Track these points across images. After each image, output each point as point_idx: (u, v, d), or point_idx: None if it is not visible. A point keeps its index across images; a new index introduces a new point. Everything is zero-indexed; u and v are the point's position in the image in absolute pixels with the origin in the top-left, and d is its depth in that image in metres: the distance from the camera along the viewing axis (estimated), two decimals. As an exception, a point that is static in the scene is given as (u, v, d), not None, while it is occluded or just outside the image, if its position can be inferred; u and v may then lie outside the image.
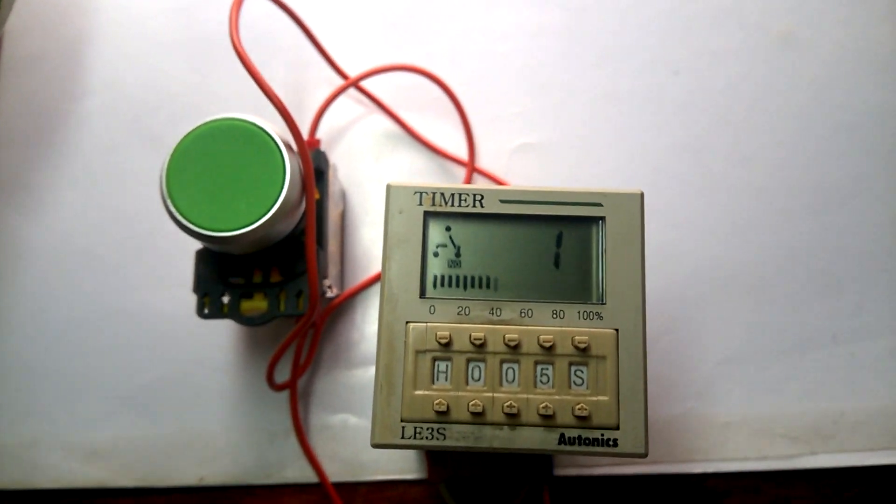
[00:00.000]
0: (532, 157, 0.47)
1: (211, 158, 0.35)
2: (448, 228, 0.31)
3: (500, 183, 0.46)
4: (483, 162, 0.47)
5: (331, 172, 0.41)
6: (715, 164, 0.46)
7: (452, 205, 0.31)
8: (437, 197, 0.31)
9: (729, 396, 0.42)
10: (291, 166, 0.35)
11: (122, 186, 0.46)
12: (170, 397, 0.43)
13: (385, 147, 0.47)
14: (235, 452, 0.42)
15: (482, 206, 0.31)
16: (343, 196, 0.46)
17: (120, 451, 0.43)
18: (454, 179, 0.47)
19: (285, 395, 0.43)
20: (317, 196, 0.40)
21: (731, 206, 0.45)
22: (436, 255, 0.31)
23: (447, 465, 0.39)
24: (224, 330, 0.44)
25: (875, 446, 0.41)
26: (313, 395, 0.43)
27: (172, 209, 0.34)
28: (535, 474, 0.40)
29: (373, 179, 0.46)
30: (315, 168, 0.40)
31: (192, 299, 0.39)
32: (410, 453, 0.42)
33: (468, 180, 0.46)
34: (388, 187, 0.31)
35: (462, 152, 0.47)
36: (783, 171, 0.46)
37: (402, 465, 0.42)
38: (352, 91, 0.48)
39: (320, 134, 0.47)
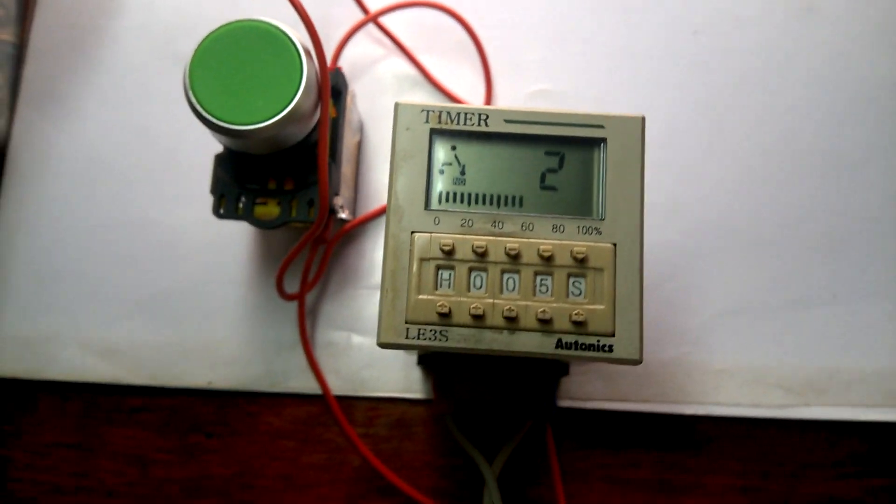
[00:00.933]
0: (547, 104, 0.48)
1: (233, 56, 0.36)
2: (454, 147, 0.32)
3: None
4: (499, 105, 0.48)
5: (349, 97, 0.43)
6: (728, 123, 0.47)
7: (458, 123, 0.32)
8: (444, 115, 0.32)
9: (726, 345, 0.43)
10: (308, 71, 0.36)
11: (149, 104, 0.48)
12: (184, 304, 0.45)
13: (403, 88, 0.48)
14: (243, 360, 0.44)
15: (487, 126, 0.32)
16: (361, 128, 0.47)
17: (134, 350, 0.45)
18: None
19: (293, 309, 0.44)
20: (333, 114, 0.42)
21: (742, 164, 0.46)
22: (441, 172, 0.32)
23: (453, 396, 0.40)
24: (238, 241, 0.46)
25: (868, 403, 0.42)
26: (321, 312, 0.45)
27: (193, 100, 0.36)
28: (539, 408, 0.41)
29: (390, 118, 0.47)
30: (333, 86, 0.41)
31: (209, 214, 0.41)
32: (413, 373, 0.44)
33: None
34: (397, 105, 0.32)
35: (478, 98, 0.48)
36: (796, 134, 0.46)
37: (403, 385, 0.43)
38: (374, 30, 0.49)
39: (343, 64, 0.48)
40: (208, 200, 0.44)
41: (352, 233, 0.46)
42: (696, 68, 0.48)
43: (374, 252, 0.46)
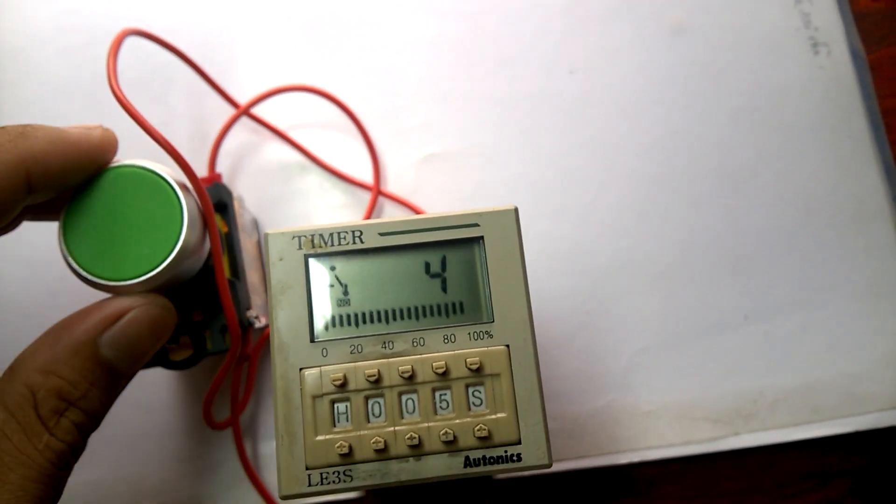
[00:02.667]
0: (439, 168, 0.47)
1: (106, 208, 0.34)
2: (332, 268, 0.31)
3: (407, 204, 0.46)
4: (390, 176, 0.47)
5: (236, 203, 0.41)
6: (618, 157, 0.46)
7: (333, 244, 0.31)
8: (317, 238, 0.31)
9: (648, 384, 0.43)
10: (188, 204, 0.34)
11: (26, 238, 0.46)
12: (104, 441, 0.42)
13: (292, 173, 0.47)
14: (168, 490, 0.42)
15: (363, 242, 0.31)
16: (256, 225, 0.45)
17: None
18: (363, 201, 0.47)
19: (216, 431, 0.43)
20: (225, 229, 0.40)
21: (636, 196, 0.46)
22: (323, 296, 0.31)
23: (388, 498, 0.39)
24: (154, 371, 0.43)
25: (796, 421, 0.42)
26: (248, 429, 0.44)
27: (73, 264, 0.34)
28: (477, 489, 0.40)
29: (284, 203, 0.46)
30: (218, 202, 0.40)
31: None
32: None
33: (372, 205, 0.46)
34: (266, 235, 0.31)
35: (366, 171, 0.47)
36: (683, 158, 0.46)
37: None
38: (251, 120, 0.47)
39: (223, 165, 0.46)
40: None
41: None
42: (579, 105, 0.47)
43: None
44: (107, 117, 0.47)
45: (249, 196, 0.46)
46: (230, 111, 0.47)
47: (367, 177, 0.47)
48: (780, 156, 0.46)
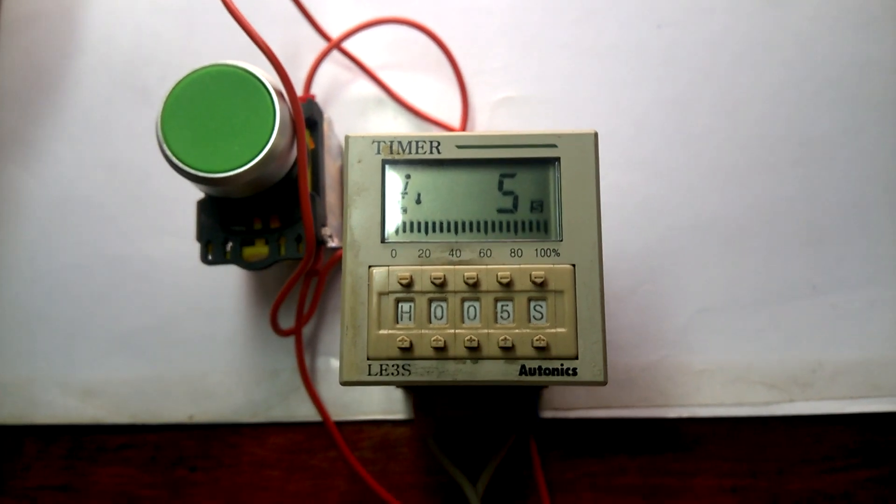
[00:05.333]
0: (514, 112, 0.47)
1: (204, 103, 0.36)
2: (408, 176, 0.32)
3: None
4: (472, 115, 0.47)
5: (326, 125, 0.42)
6: (698, 117, 0.46)
7: (410, 152, 0.32)
8: (395, 145, 0.32)
9: (706, 345, 0.43)
10: (281, 110, 0.36)
11: (116, 138, 0.48)
12: (162, 339, 0.45)
13: (376, 109, 0.48)
14: (222, 393, 0.44)
15: (439, 153, 0.32)
16: (341, 151, 0.47)
17: (113, 389, 0.45)
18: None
19: (273, 338, 0.44)
20: (311, 146, 0.41)
21: (714, 158, 0.45)
22: (397, 201, 0.32)
23: (434, 416, 0.40)
24: (219, 273, 0.45)
25: (853, 395, 0.42)
26: (309, 342, 0.45)
27: (168, 152, 0.35)
28: (522, 421, 0.41)
29: None
30: (308, 118, 0.41)
31: (188, 246, 0.41)
32: (394, 394, 0.44)
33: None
34: (347, 138, 0.32)
35: (447, 111, 0.47)
36: (767, 124, 0.46)
37: (385, 406, 0.43)
38: (341, 54, 0.48)
39: (315, 90, 0.48)
40: (185, 232, 0.44)
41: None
42: (662, 63, 0.47)
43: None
44: (196, 31, 0.49)
45: (338, 125, 0.47)
46: (317, 40, 0.48)
47: (447, 117, 0.47)
48: (864, 130, 0.45)
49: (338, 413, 0.44)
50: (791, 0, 0.47)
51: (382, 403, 0.44)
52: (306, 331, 0.45)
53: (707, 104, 0.46)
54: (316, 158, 0.41)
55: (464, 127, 0.47)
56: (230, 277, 0.45)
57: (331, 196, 0.43)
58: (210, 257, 0.40)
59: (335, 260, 0.44)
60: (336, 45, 0.47)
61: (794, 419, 0.42)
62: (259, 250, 0.40)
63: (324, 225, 0.41)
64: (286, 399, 0.44)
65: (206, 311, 0.45)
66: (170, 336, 0.45)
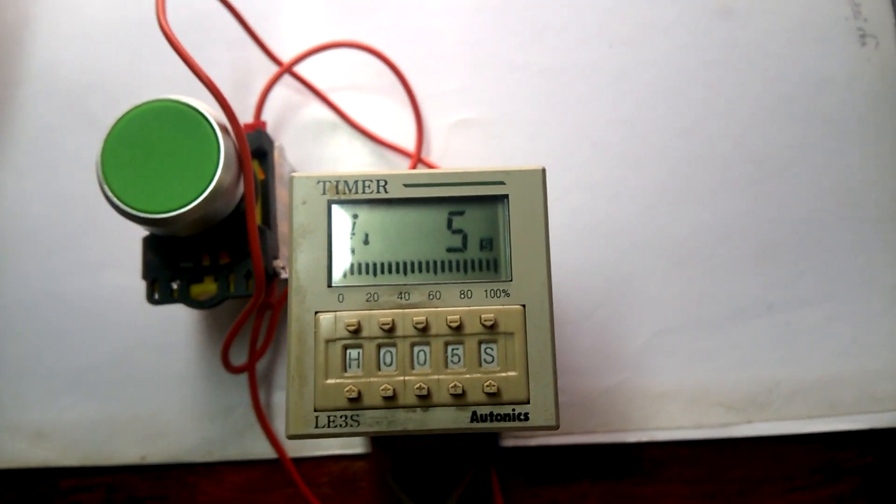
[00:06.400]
0: (471, 134, 0.47)
1: (145, 141, 0.35)
2: (355, 216, 0.31)
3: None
4: (427, 138, 0.47)
5: (276, 153, 0.41)
6: (652, 137, 0.46)
7: (356, 192, 0.31)
8: (341, 185, 0.31)
9: (664, 367, 0.43)
10: (226, 145, 0.35)
11: (62, 169, 0.47)
12: (113, 377, 0.44)
13: (332, 133, 0.47)
14: (177, 431, 0.43)
15: (386, 192, 0.31)
16: None
17: (64, 430, 0.43)
18: (396, 165, 0.47)
19: (227, 374, 0.43)
20: (261, 176, 0.40)
21: (668, 178, 0.45)
22: (344, 243, 0.31)
23: (392, 450, 0.40)
24: (176, 312, 0.44)
25: (812, 414, 0.42)
26: (263, 376, 0.44)
27: (109, 193, 0.34)
28: (482, 452, 0.40)
29: (322, 163, 0.47)
30: (257, 148, 0.40)
31: (136, 281, 0.40)
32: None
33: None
34: (291, 178, 0.31)
35: (403, 135, 0.47)
36: (720, 142, 0.46)
37: (343, 441, 0.43)
38: (292, 78, 0.47)
39: (267, 116, 0.47)
40: (132, 267, 0.43)
41: None
42: (616, 83, 0.47)
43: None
44: (143, 58, 0.48)
45: (290, 150, 0.46)
46: (269, 64, 0.47)
47: (402, 140, 0.47)
48: (820, 147, 0.45)
49: (295, 449, 0.43)
50: (743, 17, 0.47)
51: (340, 439, 0.43)
52: (261, 365, 0.44)
53: (660, 123, 0.46)
54: (266, 189, 0.40)
55: (419, 150, 0.46)
56: (180, 313, 0.44)
57: (283, 226, 0.42)
58: (156, 296, 0.39)
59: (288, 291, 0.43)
60: (287, 69, 0.46)
61: (753, 440, 0.42)
62: (207, 287, 0.39)
63: (276, 257, 0.40)
64: (241, 436, 0.43)
65: (156, 348, 0.44)
66: (119, 374, 0.44)
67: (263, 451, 0.43)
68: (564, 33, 0.48)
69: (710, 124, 0.46)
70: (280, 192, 0.42)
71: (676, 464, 0.42)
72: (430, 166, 0.46)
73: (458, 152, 0.47)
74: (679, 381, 0.43)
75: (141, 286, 0.40)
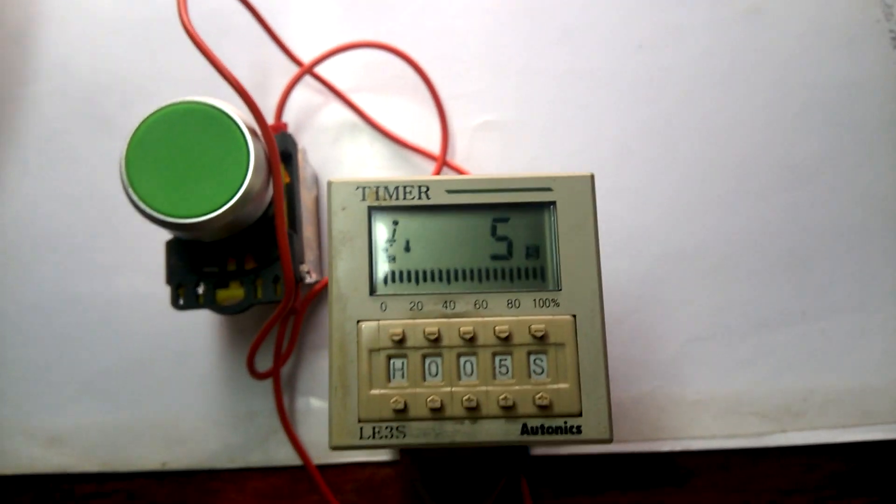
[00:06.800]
0: (494, 136, 0.46)
1: (171, 144, 0.34)
2: (395, 223, 0.30)
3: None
4: (451, 140, 0.46)
5: (300, 155, 0.41)
6: (681, 141, 0.45)
7: (397, 198, 0.30)
8: (381, 191, 0.30)
9: (697, 375, 0.42)
10: (255, 149, 0.34)
11: (77, 170, 0.46)
12: (132, 382, 0.43)
13: (351, 134, 0.46)
14: (198, 437, 0.42)
15: (428, 198, 0.30)
16: (316, 180, 0.45)
17: (82, 435, 0.42)
18: (422, 169, 0.46)
19: (249, 380, 0.42)
20: (287, 180, 0.39)
21: (698, 183, 0.44)
22: (384, 250, 0.30)
23: (421, 459, 0.39)
24: (198, 316, 0.43)
25: (845, 423, 0.41)
26: (285, 382, 0.43)
27: (134, 197, 0.33)
28: (512, 461, 0.39)
29: (343, 165, 0.46)
30: (282, 151, 0.39)
31: (157, 284, 0.39)
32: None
33: (437, 173, 0.45)
34: (329, 184, 0.30)
35: (425, 136, 0.46)
36: (751, 147, 0.45)
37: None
38: (313, 78, 0.46)
39: (287, 118, 0.46)
40: (153, 269, 0.42)
41: (322, 293, 0.43)
42: (644, 85, 0.46)
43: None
44: (157, 56, 0.47)
45: (310, 152, 0.45)
46: (288, 63, 0.46)
47: (425, 142, 0.46)
48: (849, 153, 0.45)
49: (319, 456, 0.42)
50: (772, 19, 0.46)
51: (367, 445, 0.42)
52: (284, 370, 0.43)
53: (690, 127, 0.45)
54: (292, 193, 0.39)
55: (444, 152, 0.45)
56: (202, 316, 0.43)
57: (307, 229, 0.41)
58: (181, 302, 0.38)
59: (313, 295, 0.42)
60: (308, 69, 0.45)
61: (786, 449, 0.41)
62: (234, 293, 0.38)
63: (301, 262, 0.39)
64: (265, 442, 0.42)
65: (177, 353, 0.43)
66: (140, 379, 0.43)
67: (287, 457, 0.42)
68: (589, 35, 0.47)
69: (739, 129, 0.45)
70: (304, 196, 0.41)
71: (708, 473, 0.41)
72: (454, 169, 0.45)
73: (483, 155, 0.46)
74: (712, 389, 0.42)
75: (161, 290, 0.39)
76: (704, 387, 0.42)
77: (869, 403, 0.41)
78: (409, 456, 0.39)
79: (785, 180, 0.44)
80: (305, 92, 0.47)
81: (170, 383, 0.43)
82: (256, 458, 0.42)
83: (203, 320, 0.43)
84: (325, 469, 0.42)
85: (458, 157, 0.46)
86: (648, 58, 0.46)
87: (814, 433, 0.41)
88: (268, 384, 0.42)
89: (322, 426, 0.42)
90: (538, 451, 0.41)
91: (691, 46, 0.46)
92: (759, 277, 0.43)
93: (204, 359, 0.43)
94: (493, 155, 0.46)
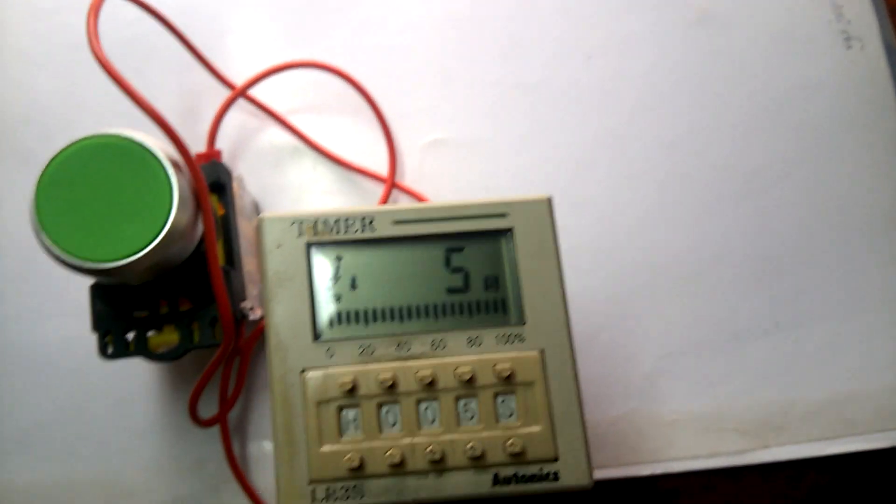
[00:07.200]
0: (445, 154, 0.44)
1: (85, 181, 0.31)
2: (339, 258, 0.27)
3: (420, 198, 0.42)
4: (400, 160, 0.43)
5: (235, 184, 0.38)
6: (638, 151, 0.43)
7: (338, 232, 0.27)
8: (320, 225, 0.27)
9: (673, 392, 0.40)
10: (179, 182, 0.31)
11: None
12: (67, 435, 0.39)
13: (292, 159, 0.43)
14: (143, 491, 0.39)
15: (374, 230, 0.27)
16: (256, 208, 0.42)
17: (14, 496, 0.39)
18: (369, 192, 0.43)
19: (193, 427, 0.39)
20: (221, 212, 0.37)
21: (659, 195, 0.43)
22: (328, 289, 0.27)
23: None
24: (130, 363, 0.39)
25: (828, 435, 0.39)
26: (237, 426, 0.40)
27: (47, 241, 0.30)
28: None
29: (285, 192, 0.43)
30: (214, 181, 0.37)
31: (85, 330, 0.35)
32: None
33: (385, 197, 0.42)
34: (261, 220, 0.27)
35: (372, 157, 0.43)
36: (710, 154, 0.43)
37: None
38: (247, 101, 0.44)
39: (222, 144, 0.43)
40: (81, 312, 0.38)
41: None
42: (595, 95, 0.44)
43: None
44: (78, 87, 0.44)
45: (250, 178, 0.42)
46: (220, 88, 0.43)
47: (372, 163, 0.43)
48: (811, 156, 0.43)
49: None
50: (723, 24, 0.45)
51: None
52: (231, 415, 0.39)
53: (647, 137, 0.44)
54: (228, 225, 0.36)
55: (392, 173, 0.42)
56: (136, 362, 0.39)
57: (248, 262, 0.38)
58: (110, 350, 0.34)
59: (259, 332, 0.39)
60: (241, 92, 0.42)
61: (770, 466, 0.40)
62: (168, 337, 0.35)
63: (243, 298, 0.36)
64: (217, 492, 0.39)
65: (113, 401, 0.40)
66: (74, 431, 0.39)
67: (244, 508, 0.38)
68: (538, 47, 0.45)
69: (697, 136, 0.44)
70: (243, 226, 0.38)
71: (693, 494, 0.39)
72: (405, 190, 0.42)
73: (434, 174, 0.43)
74: (689, 406, 0.40)
75: (92, 336, 0.36)
76: (682, 404, 0.40)
77: (850, 412, 0.40)
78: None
79: (749, 187, 0.43)
80: (241, 116, 0.44)
81: (109, 434, 0.39)
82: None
83: (139, 366, 0.40)
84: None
85: (409, 177, 0.43)
86: (599, 68, 0.45)
87: (796, 447, 0.39)
88: (214, 430, 0.39)
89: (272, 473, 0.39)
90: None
91: (642, 55, 0.45)
92: (730, 288, 0.42)
93: (144, 406, 0.40)
94: (444, 174, 0.43)
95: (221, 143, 0.43)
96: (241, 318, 0.36)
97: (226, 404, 0.38)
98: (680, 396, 0.40)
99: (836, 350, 0.41)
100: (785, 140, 0.43)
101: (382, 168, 0.43)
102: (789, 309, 0.41)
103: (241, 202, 0.38)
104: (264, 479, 0.39)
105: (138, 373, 0.40)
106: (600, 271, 0.42)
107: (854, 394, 0.40)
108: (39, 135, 0.43)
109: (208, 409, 0.38)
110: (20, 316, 0.41)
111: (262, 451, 0.39)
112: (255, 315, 0.37)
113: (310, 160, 0.43)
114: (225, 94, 0.43)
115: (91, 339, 0.37)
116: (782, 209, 0.42)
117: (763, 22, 0.45)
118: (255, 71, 0.42)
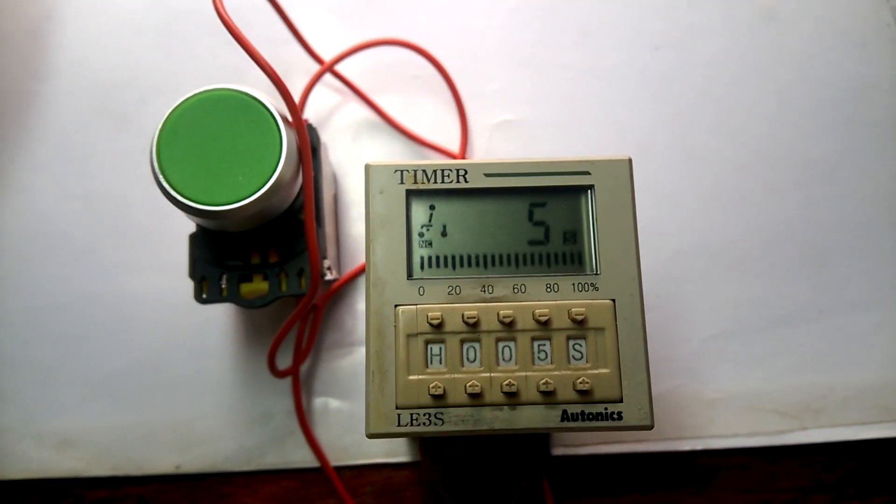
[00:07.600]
0: (513, 135, 0.46)
1: (203, 131, 0.33)
2: (432, 207, 0.30)
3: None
4: (470, 139, 0.46)
5: (322, 151, 0.40)
6: (698, 139, 0.45)
7: (435, 181, 0.30)
8: (419, 174, 0.30)
9: (717, 373, 0.42)
10: (288, 138, 0.33)
11: (93, 168, 0.45)
12: (143, 383, 0.42)
13: (370, 133, 0.46)
14: (212, 439, 0.41)
15: (466, 182, 0.30)
16: (335, 179, 0.45)
17: (92, 438, 0.41)
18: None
19: (264, 380, 0.41)
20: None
21: (716, 181, 0.45)
22: (421, 234, 0.30)
23: (442, 459, 0.38)
24: (212, 314, 0.42)
25: (865, 420, 0.41)
26: (305, 381, 0.42)
27: (165, 184, 0.33)
28: (534, 461, 0.39)
29: (361, 164, 0.45)
30: (311, 146, 0.39)
31: (172, 282, 0.38)
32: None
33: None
34: (367, 167, 0.30)
35: (443, 135, 0.46)
36: (767, 145, 0.45)
37: (387, 448, 0.41)
38: (333, 74, 0.46)
39: (306, 116, 0.45)
40: (168, 266, 0.41)
41: (339, 292, 0.43)
42: (661, 85, 0.46)
43: (362, 309, 0.43)
44: (174, 53, 0.47)
45: (329, 150, 0.45)
46: (307, 61, 0.46)
47: (443, 140, 0.45)
48: (864, 151, 0.45)
49: (337, 457, 0.41)
50: (787, 22, 0.47)
51: (384, 445, 0.41)
52: (302, 369, 0.42)
53: (707, 125, 0.46)
54: (317, 187, 0.39)
55: (463, 150, 0.45)
56: (216, 314, 0.42)
57: (327, 226, 0.40)
58: (205, 295, 0.37)
59: (331, 292, 0.42)
60: (329, 67, 0.45)
61: (807, 447, 0.41)
62: (258, 286, 0.37)
63: (324, 257, 0.38)
64: (281, 444, 0.41)
65: (191, 352, 0.42)
66: (153, 379, 0.42)
67: (303, 459, 0.41)
68: (608, 34, 0.47)
69: (755, 128, 0.45)
70: (325, 192, 0.40)
71: (729, 472, 0.41)
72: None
73: (501, 153, 0.46)
74: (732, 386, 0.42)
75: (176, 287, 0.38)
76: (724, 384, 0.42)
77: (887, 399, 0.41)
78: (430, 456, 0.38)
79: (803, 177, 0.45)
80: (324, 90, 0.46)
81: (184, 383, 0.42)
82: (272, 461, 0.41)
83: (218, 317, 0.42)
84: (342, 471, 0.41)
85: (476, 155, 0.46)
86: (665, 57, 0.47)
87: (834, 430, 0.41)
88: (284, 385, 0.41)
89: (339, 427, 0.41)
90: (559, 451, 0.41)
91: (707, 47, 0.47)
92: (776, 274, 0.43)
93: (219, 357, 0.42)
94: (511, 154, 0.46)
95: (307, 115, 0.45)
96: (321, 275, 0.38)
97: (299, 356, 0.40)
98: (722, 377, 0.42)
99: (875, 338, 0.42)
100: (839, 134, 0.45)
101: (453, 145, 0.45)
102: (833, 297, 0.43)
103: (326, 170, 0.41)
104: (326, 433, 0.41)
105: (215, 326, 0.42)
106: (653, 253, 0.43)
107: (892, 381, 0.42)
108: (135, 99, 0.46)
109: (280, 363, 0.41)
110: (111, 270, 0.43)
111: (327, 407, 0.42)
112: (331, 275, 0.39)
113: (386, 135, 0.46)
114: (312, 68, 0.45)
115: (174, 293, 0.40)
116: (832, 201, 0.44)
117: (824, 22, 0.47)
118: (341, 47, 0.45)
